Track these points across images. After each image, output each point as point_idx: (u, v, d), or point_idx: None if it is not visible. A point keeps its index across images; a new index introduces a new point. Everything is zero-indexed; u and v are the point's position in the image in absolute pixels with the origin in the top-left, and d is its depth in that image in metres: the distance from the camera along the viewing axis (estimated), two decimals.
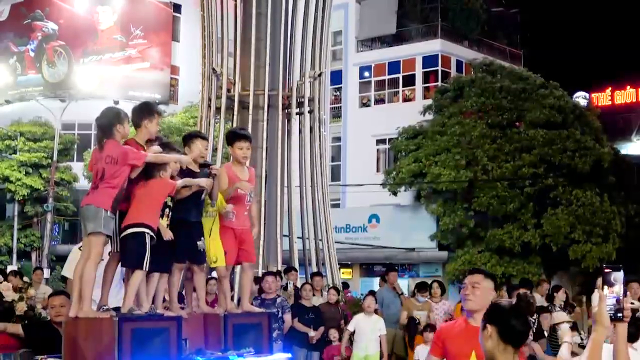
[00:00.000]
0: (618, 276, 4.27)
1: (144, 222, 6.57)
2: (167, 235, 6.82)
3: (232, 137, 7.68)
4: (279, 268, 16.74)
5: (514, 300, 10.53)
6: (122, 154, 6.54)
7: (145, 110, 6.97)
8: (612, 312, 4.19)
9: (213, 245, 7.34)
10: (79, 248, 9.00)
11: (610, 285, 4.26)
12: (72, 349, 6.42)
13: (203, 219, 7.27)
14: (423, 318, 13.80)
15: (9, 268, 25.92)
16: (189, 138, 7.50)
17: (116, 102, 38.09)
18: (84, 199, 6.70)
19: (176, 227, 6.97)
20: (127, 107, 7.21)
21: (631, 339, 6.55)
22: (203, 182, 7.08)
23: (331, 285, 16.19)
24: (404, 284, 29.28)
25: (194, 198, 7.12)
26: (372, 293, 14.53)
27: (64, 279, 8.42)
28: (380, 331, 13.53)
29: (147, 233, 6.54)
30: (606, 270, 4.29)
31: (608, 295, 4.23)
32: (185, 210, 7.03)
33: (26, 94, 41.29)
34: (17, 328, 8.23)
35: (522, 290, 12.98)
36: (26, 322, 9.07)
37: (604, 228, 27.94)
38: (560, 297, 14.12)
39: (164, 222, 6.84)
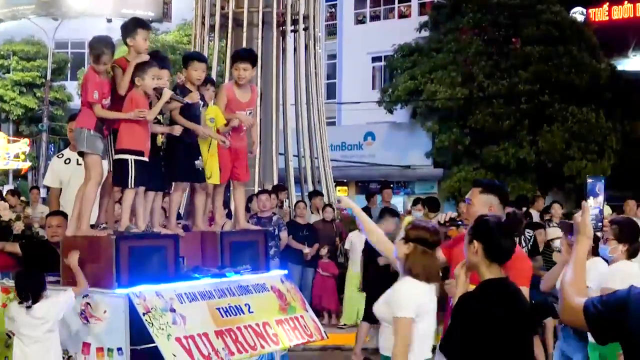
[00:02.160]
0: (601, 187, 4.26)
1: (127, 147, 6.55)
2: (177, 130, 6.83)
3: (186, 58, 7.50)
4: None
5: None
6: (84, 86, 6.60)
7: (128, 28, 6.89)
8: (595, 222, 4.14)
9: (210, 161, 7.35)
10: (57, 156, 9.09)
11: (595, 196, 4.24)
12: (69, 268, 6.48)
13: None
14: None
15: (6, 188, 26.04)
16: (186, 59, 7.44)
17: (109, 20, 37.80)
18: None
19: (174, 146, 6.97)
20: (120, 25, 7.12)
21: (633, 255, 6.66)
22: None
23: (327, 203, 16.27)
24: (400, 201, 29.45)
25: (192, 118, 7.10)
26: (365, 210, 14.60)
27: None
28: None
29: (130, 159, 6.53)
30: (589, 181, 4.26)
31: (592, 206, 4.19)
32: (182, 129, 7.01)
33: (18, 12, 40.81)
34: (14, 247, 8.28)
35: (512, 209, 12.97)
36: (23, 241, 9.13)
37: (599, 144, 27.99)
38: (556, 212, 14.18)
39: (159, 141, 6.84)
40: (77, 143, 6.66)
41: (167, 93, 6.72)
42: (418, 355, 5.21)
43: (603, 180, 4.28)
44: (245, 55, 7.77)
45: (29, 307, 6.31)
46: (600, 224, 4.21)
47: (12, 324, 6.42)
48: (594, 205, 4.21)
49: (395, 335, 5.15)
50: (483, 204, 5.54)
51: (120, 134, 6.55)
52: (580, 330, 7.06)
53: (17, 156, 23.95)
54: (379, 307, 5.44)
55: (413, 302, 5.19)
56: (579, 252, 3.98)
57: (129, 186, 6.54)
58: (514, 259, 4.93)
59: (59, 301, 6.27)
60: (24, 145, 25.48)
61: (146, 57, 6.73)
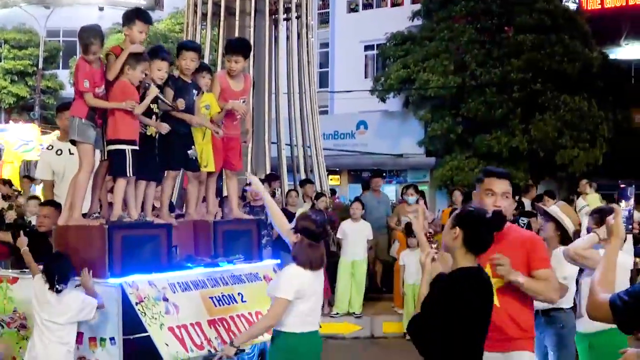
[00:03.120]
0: (632, 191, 4.52)
1: (122, 137, 6.55)
2: (163, 128, 6.84)
3: (179, 47, 7.53)
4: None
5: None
6: (75, 75, 6.62)
7: (128, 17, 6.89)
8: (625, 224, 4.35)
9: (206, 148, 7.37)
10: (47, 148, 9.05)
11: (627, 199, 4.50)
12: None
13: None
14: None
15: None
16: (180, 48, 7.44)
17: (101, 9, 37.71)
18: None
19: (167, 135, 6.96)
20: (113, 14, 7.12)
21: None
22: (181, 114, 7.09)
23: (319, 191, 16.27)
24: (392, 189, 29.48)
25: (186, 108, 7.10)
26: (358, 199, 14.62)
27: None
28: (368, 236, 13.69)
29: (127, 149, 6.54)
30: (622, 186, 4.51)
31: (624, 208, 4.44)
32: (175, 119, 7.01)
33: (9, 0, 40.64)
34: (7, 236, 8.27)
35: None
36: (16, 230, 9.12)
37: (591, 133, 27.99)
38: (548, 204, 14.17)
39: (151, 131, 6.84)
40: (70, 131, 6.67)
41: (154, 91, 6.74)
42: (303, 328, 5.92)
43: (633, 186, 4.51)
44: (237, 48, 7.75)
45: (58, 292, 6.29)
46: (630, 226, 4.43)
47: (37, 308, 6.38)
48: (625, 207, 4.46)
49: (269, 310, 5.90)
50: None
51: (116, 124, 6.54)
52: (551, 316, 7.18)
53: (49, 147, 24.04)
54: (270, 285, 6.16)
55: (293, 285, 5.84)
56: (610, 253, 4.21)
57: (127, 175, 6.55)
58: (535, 246, 5.22)
59: (83, 299, 6.23)
60: (54, 137, 25.62)
61: (141, 48, 6.74)
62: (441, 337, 4.52)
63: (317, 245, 6.04)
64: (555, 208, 7.47)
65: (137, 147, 6.57)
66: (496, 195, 5.50)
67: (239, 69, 7.63)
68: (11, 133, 23.64)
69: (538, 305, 7.36)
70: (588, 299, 4.02)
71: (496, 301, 4.92)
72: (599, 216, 6.46)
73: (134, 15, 6.86)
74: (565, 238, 7.09)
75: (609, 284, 4.02)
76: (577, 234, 7.27)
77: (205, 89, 7.45)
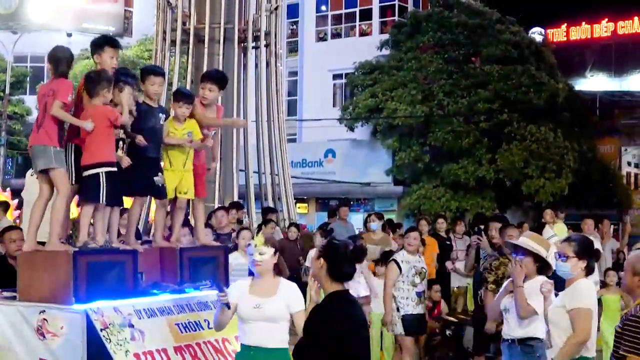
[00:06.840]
0: None
1: (98, 160, 6.52)
2: (125, 162, 6.81)
3: (143, 72, 7.52)
4: None
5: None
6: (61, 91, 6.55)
7: (96, 44, 6.90)
8: None
9: (186, 176, 7.38)
10: (31, 174, 9.03)
11: None
12: (27, 283, 6.41)
13: (176, 149, 7.30)
14: (377, 253, 13.25)
15: None
16: (144, 73, 7.42)
17: (69, 35, 37.57)
18: (31, 139, 6.66)
19: (133, 161, 6.93)
20: (81, 40, 7.12)
21: (590, 272, 6.66)
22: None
23: (291, 222, 16.23)
24: (359, 218, 29.47)
25: (151, 133, 7.09)
26: (321, 227, 14.57)
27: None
28: None
29: (101, 172, 6.49)
30: None
31: None
32: (142, 146, 7.01)
33: None
34: None
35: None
36: None
37: (557, 163, 28.24)
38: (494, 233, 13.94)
39: (119, 154, 6.82)
40: (39, 159, 6.45)
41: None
42: None
43: None
44: (213, 77, 7.77)
45: None
46: None
47: None
48: None
49: None
50: None
51: (92, 147, 6.54)
52: (528, 345, 7.14)
53: None
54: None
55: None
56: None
57: (100, 201, 6.52)
58: None
59: None
60: None
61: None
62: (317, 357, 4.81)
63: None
64: (524, 240, 7.32)
65: (114, 169, 6.54)
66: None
67: (211, 98, 7.65)
68: None
69: (514, 334, 7.30)
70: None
71: None
72: (577, 244, 6.37)
73: (103, 42, 6.88)
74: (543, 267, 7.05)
75: None
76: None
77: (180, 117, 7.43)
